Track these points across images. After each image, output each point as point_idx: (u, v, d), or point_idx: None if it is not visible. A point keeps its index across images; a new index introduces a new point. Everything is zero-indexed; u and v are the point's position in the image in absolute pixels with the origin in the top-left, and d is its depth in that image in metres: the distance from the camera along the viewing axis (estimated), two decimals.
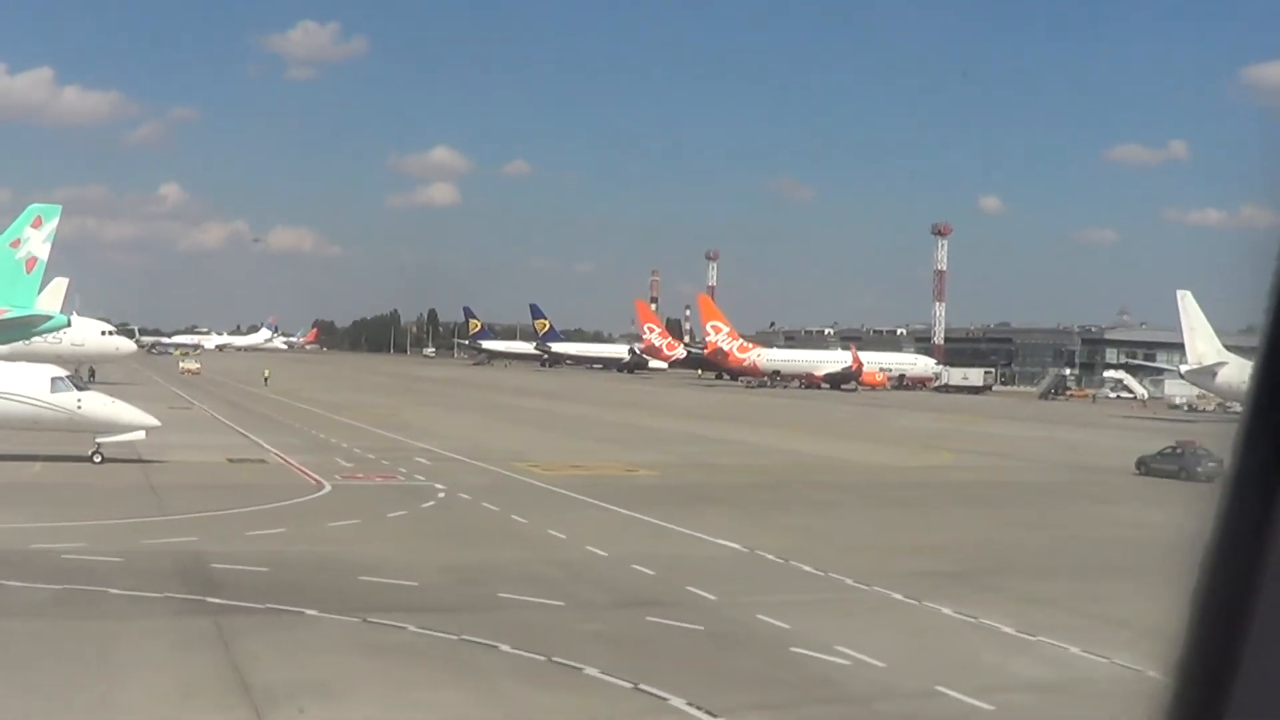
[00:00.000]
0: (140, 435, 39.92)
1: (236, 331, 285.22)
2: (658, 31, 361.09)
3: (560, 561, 24.64)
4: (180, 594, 20.64)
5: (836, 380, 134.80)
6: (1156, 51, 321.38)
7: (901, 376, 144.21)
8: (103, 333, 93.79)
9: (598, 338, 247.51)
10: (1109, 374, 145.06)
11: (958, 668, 17.03)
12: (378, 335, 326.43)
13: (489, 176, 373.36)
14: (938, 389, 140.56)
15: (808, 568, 24.40)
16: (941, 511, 35.61)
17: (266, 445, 47.99)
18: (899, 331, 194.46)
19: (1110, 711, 14.79)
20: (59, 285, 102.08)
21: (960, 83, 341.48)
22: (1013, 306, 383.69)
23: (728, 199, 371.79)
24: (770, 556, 25.65)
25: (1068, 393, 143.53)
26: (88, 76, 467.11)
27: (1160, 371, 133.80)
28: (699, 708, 14.66)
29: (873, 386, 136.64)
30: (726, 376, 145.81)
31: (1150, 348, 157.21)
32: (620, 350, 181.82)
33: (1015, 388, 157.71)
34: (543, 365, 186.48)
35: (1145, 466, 47.92)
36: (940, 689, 15.77)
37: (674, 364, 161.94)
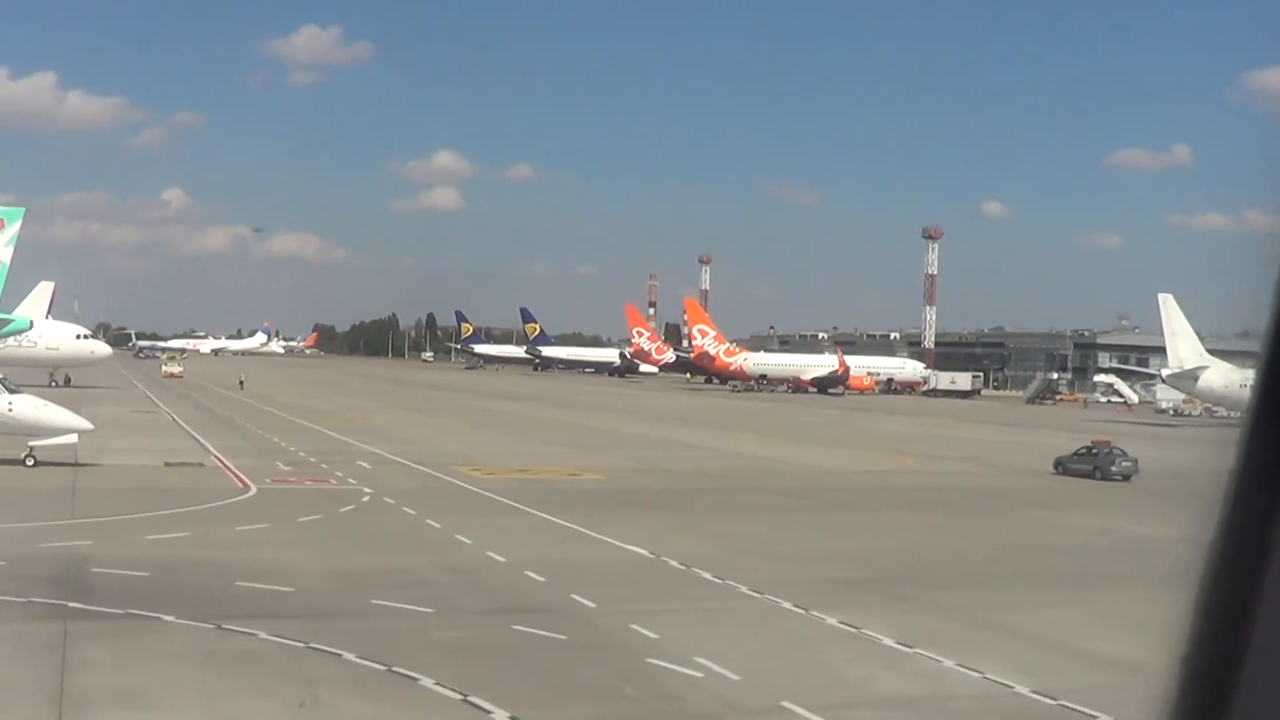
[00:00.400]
0: (73, 439, 39.34)
1: (237, 336, 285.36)
2: (659, 33, 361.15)
3: (452, 567, 23.97)
4: (45, 599, 20.06)
5: (823, 384, 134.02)
6: (1160, 57, 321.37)
7: (890, 380, 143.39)
8: (78, 336, 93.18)
9: (595, 341, 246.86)
10: (1100, 378, 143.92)
11: (815, 682, 16.32)
12: (376, 340, 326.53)
13: (491, 181, 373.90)
14: (926, 393, 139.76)
15: (708, 575, 23.68)
16: (881, 517, 34.85)
17: (213, 449, 47.37)
18: (892, 336, 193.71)
19: None
20: (44, 289, 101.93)
21: (963, 87, 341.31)
22: (1017, 311, 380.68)
23: (729, 203, 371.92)
24: (674, 563, 24.94)
25: (1057, 397, 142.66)
26: (91, 81, 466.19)
27: (1151, 376, 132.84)
28: None
29: (861, 390, 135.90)
30: (716, 380, 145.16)
31: (1143, 352, 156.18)
32: (611, 354, 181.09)
33: (1006, 392, 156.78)
34: (536, 369, 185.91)
35: (1062, 467, 48.32)
36: (786, 704, 15.04)
37: (665, 368, 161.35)
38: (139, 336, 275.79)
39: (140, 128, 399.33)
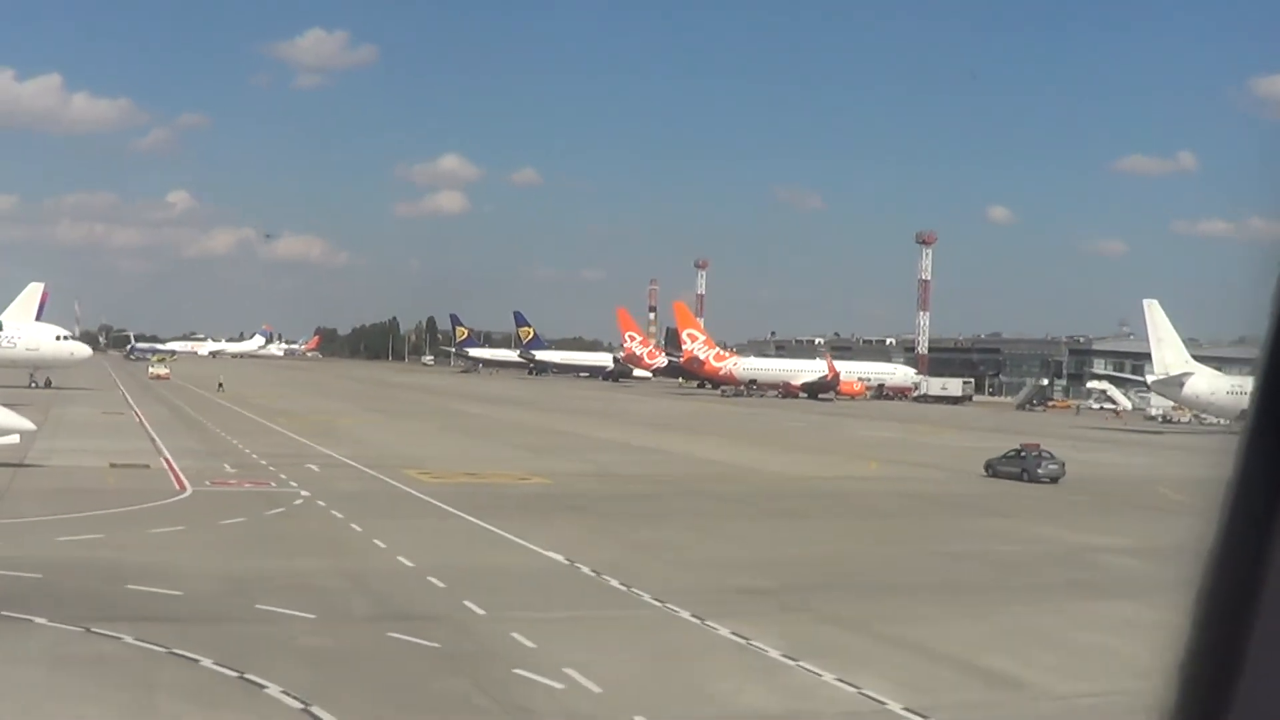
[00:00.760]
0: (14, 439, 38.95)
1: (239, 338, 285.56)
2: (661, 36, 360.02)
3: (354, 572, 23.50)
4: None
5: (814, 389, 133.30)
6: (1165, 63, 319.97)
7: (881, 386, 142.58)
8: (57, 338, 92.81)
9: (597, 346, 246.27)
10: (1092, 385, 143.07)
11: (677, 695, 15.83)
12: (377, 343, 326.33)
13: (497, 184, 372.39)
14: (917, 399, 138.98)
15: (615, 582, 23.17)
16: (820, 523, 34.27)
17: (166, 450, 46.99)
18: (888, 341, 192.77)
19: None
20: (34, 291, 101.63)
21: (968, 92, 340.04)
22: (1022, 318, 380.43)
23: (733, 207, 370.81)
24: (586, 570, 24.44)
25: (1049, 403, 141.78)
26: (97, 83, 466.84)
27: (1142, 383, 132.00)
28: None
29: (852, 396, 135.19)
30: (709, 385, 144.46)
31: (1139, 358, 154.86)
32: (605, 359, 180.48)
33: (1000, 398, 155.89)
34: (530, 373, 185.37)
35: (992, 469, 48.77)
36: (637, 719, 14.55)
37: (658, 372, 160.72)
38: (139, 338, 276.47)
39: (145, 129, 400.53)
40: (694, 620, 20.05)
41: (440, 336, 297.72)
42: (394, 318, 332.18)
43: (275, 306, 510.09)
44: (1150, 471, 57.51)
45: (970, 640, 19.69)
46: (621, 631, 19.29)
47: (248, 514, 30.70)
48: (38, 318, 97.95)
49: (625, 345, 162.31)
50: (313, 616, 19.42)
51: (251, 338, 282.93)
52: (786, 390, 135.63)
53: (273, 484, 37.36)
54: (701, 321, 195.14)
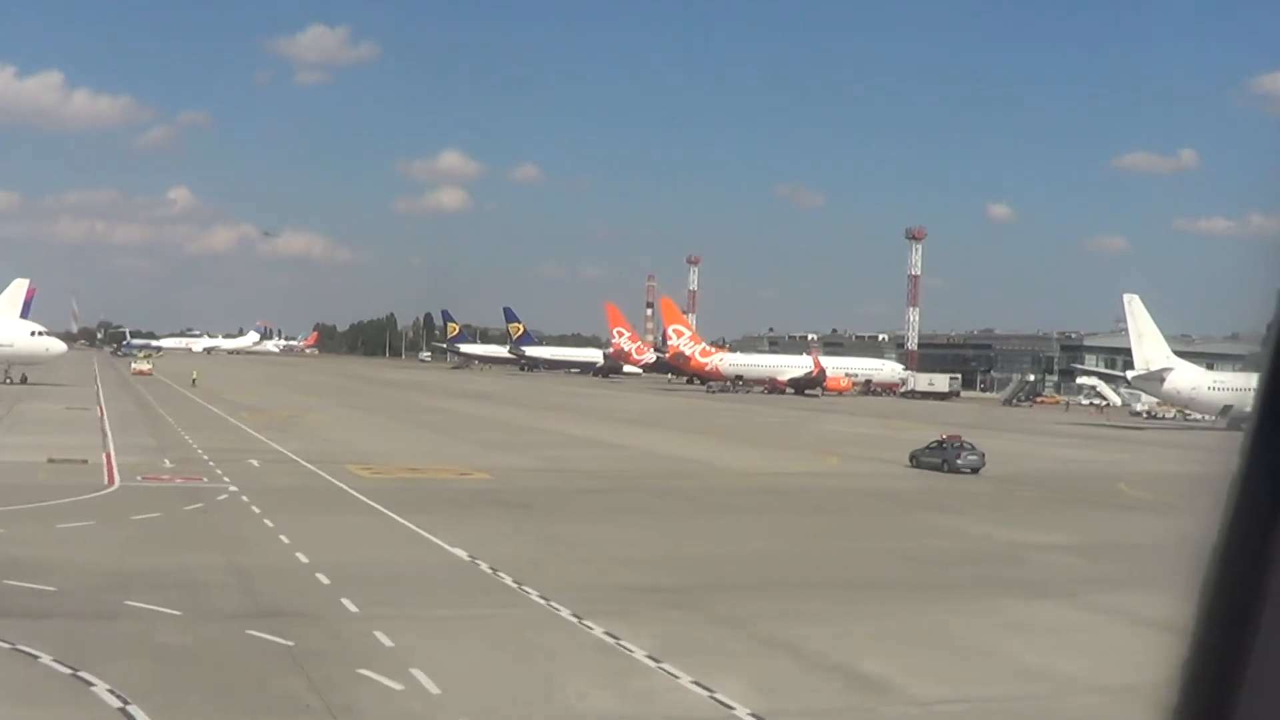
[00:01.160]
0: None
1: (239, 335, 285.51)
2: (661, 36, 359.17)
3: (243, 569, 23.01)
4: None
5: (800, 385, 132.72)
6: (1167, 60, 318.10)
7: (868, 382, 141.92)
8: (32, 333, 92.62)
9: (595, 342, 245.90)
10: (1081, 380, 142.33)
11: (519, 698, 15.31)
12: (375, 339, 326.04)
13: (497, 181, 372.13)
14: (904, 395, 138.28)
15: (508, 580, 22.63)
16: (755, 520, 33.68)
17: (113, 446, 46.57)
18: (881, 337, 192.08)
19: None
20: (18, 287, 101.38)
21: (970, 89, 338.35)
22: (1022, 315, 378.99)
23: (733, 204, 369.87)
24: (484, 567, 23.92)
25: (1038, 399, 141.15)
26: (98, 80, 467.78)
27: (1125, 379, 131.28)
28: None
29: (839, 392, 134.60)
30: (697, 381, 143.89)
31: (1130, 354, 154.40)
32: (595, 355, 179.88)
33: (990, 394, 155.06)
34: (522, 369, 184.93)
35: (916, 460, 49.85)
36: None
37: (648, 368, 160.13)
38: (134, 335, 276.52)
39: (146, 126, 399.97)
40: (572, 619, 19.53)
41: (438, 333, 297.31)
42: (391, 314, 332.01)
43: (275, 303, 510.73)
44: (1117, 467, 56.96)
45: (857, 641, 19.10)
46: (490, 631, 18.76)
47: (164, 509, 30.23)
48: (23, 314, 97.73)
49: (613, 341, 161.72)
50: (179, 613, 18.96)
51: (246, 334, 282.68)
52: (773, 386, 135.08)
53: (205, 479, 36.89)
54: (693, 318, 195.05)
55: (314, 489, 36.10)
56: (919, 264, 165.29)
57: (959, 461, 48.19)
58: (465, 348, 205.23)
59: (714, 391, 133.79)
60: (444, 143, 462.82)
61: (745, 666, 17.17)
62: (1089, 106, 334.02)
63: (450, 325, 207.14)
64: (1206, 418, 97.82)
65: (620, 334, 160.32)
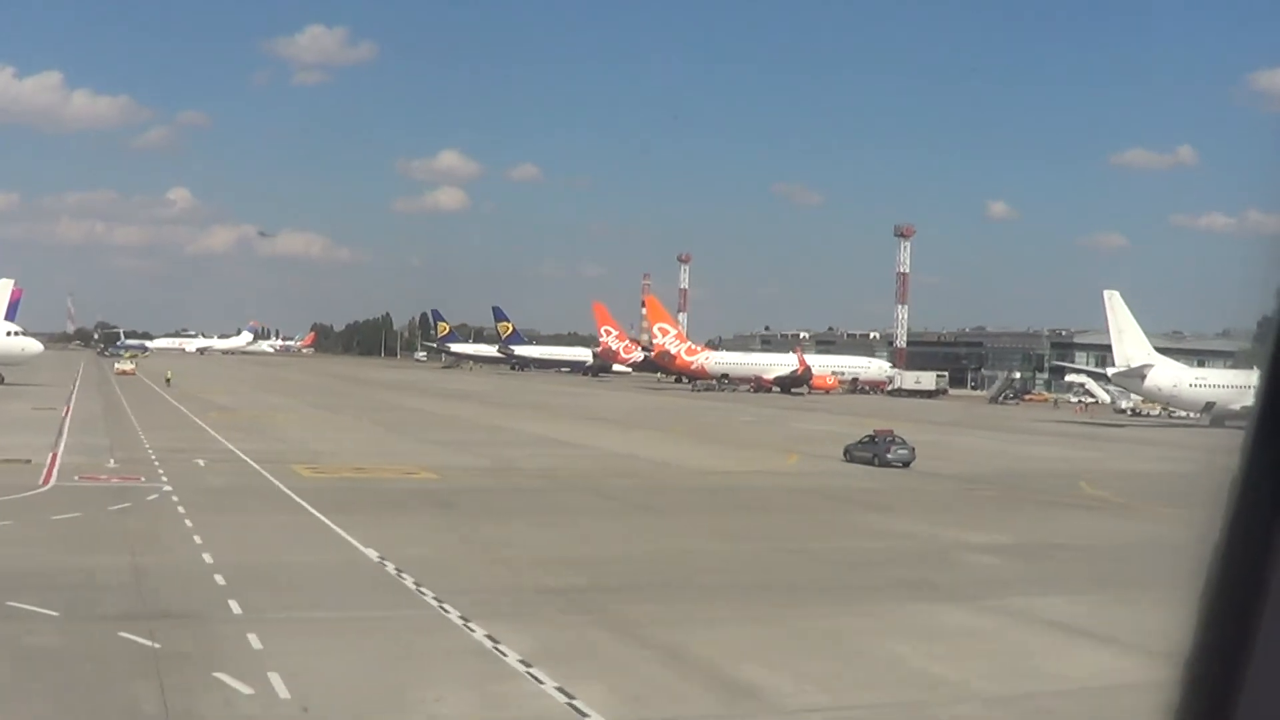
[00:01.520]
0: None
1: (235, 335, 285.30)
2: (662, 35, 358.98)
3: (142, 569, 22.69)
4: None
5: (785, 383, 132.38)
6: (1165, 57, 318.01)
7: (855, 380, 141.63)
8: (8, 334, 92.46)
9: (593, 341, 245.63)
10: (1071, 378, 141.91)
11: (371, 704, 14.96)
12: (370, 339, 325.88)
13: (496, 181, 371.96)
14: (891, 393, 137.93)
15: (409, 582, 22.28)
16: (690, 519, 33.31)
17: (65, 445, 46.39)
18: (872, 335, 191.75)
19: None
20: (3, 287, 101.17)
21: (968, 87, 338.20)
22: (1019, 312, 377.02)
23: (732, 202, 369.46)
24: (390, 568, 23.58)
25: (1026, 397, 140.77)
26: (97, 81, 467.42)
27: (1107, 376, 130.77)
28: None
29: (826, 390, 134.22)
30: (685, 380, 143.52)
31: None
32: (584, 353, 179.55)
33: (979, 392, 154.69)
34: (513, 369, 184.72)
35: (849, 455, 50.74)
36: None
37: (638, 367, 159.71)
38: (129, 335, 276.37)
39: (145, 127, 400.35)
40: (458, 622, 19.18)
41: (433, 333, 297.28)
42: (387, 313, 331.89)
43: (275, 304, 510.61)
44: (1084, 465, 56.59)
45: (746, 646, 18.66)
46: (369, 634, 18.42)
47: (88, 509, 29.93)
48: (9, 315, 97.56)
49: (601, 340, 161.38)
50: (56, 614, 18.67)
51: (239, 335, 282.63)
52: (759, 384, 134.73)
53: (143, 479, 36.60)
54: (684, 316, 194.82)
55: (250, 489, 35.81)
56: (908, 262, 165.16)
57: (889, 455, 48.84)
58: (456, 347, 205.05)
59: (698, 390, 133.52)
60: (442, 142, 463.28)
61: (618, 672, 16.83)
62: (1087, 103, 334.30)
63: (440, 325, 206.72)
64: (1191, 415, 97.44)
65: (608, 332, 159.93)
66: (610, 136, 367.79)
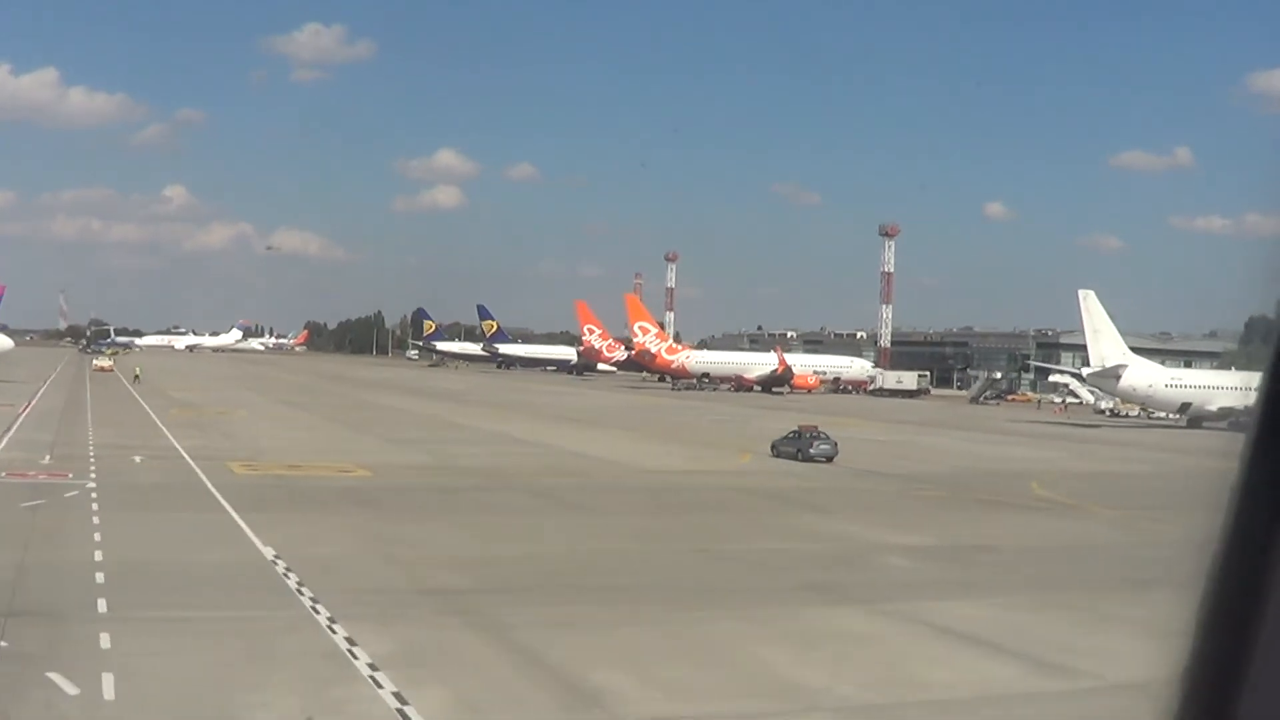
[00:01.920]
0: None
1: (226, 333, 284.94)
2: (661, 34, 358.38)
3: (26, 567, 22.31)
4: None
5: (766, 383, 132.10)
6: (1162, 58, 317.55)
7: (836, 379, 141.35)
8: None
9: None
10: (1055, 378, 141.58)
11: (195, 709, 14.68)
12: (363, 337, 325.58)
13: (493, 180, 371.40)
14: (872, 392, 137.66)
15: (293, 582, 21.95)
16: (615, 519, 32.90)
17: (6, 440, 46.23)
18: (859, 335, 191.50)
19: None
20: None
21: (966, 89, 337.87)
22: (1016, 312, 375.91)
23: (729, 202, 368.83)
24: (280, 567, 23.26)
25: (1010, 397, 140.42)
26: (94, 78, 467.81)
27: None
28: None
29: (807, 390, 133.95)
30: (669, 379, 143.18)
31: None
32: (569, 352, 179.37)
33: (963, 391, 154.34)
34: (499, 367, 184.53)
35: (776, 450, 51.91)
36: None
37: (621, 366, 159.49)
38: (120, 332, 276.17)
39: (142, 124, 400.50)
40: (324, 624, 18.88)
41: (422, 331, 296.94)
42: (379, 311, 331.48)
43: (270, 301, 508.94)
44: (1043, 465, 56.32)
45: (610, 651, 18.22)
46: (226, 635, 18.08)
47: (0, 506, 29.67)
48: None
49: (584, 339, 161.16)
50: None
51: (229, 332, 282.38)
52: (740, 383, 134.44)
53: (70, 475, 36.29)
54: (671, 315, 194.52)
55: (175, 486, 35.50)
56: (892, 261, 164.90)
57: (812, 450, 50.17)
58: (442, 346, 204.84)
59: (678, 389, 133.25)
60: (440, 141, 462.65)
61: (466, 677, 16.49)
62: (1086, 105, 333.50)
63: (426, 323, 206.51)
64: (1170, 415, 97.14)
65: (590, 331, 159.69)
66: (608, 137, 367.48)
